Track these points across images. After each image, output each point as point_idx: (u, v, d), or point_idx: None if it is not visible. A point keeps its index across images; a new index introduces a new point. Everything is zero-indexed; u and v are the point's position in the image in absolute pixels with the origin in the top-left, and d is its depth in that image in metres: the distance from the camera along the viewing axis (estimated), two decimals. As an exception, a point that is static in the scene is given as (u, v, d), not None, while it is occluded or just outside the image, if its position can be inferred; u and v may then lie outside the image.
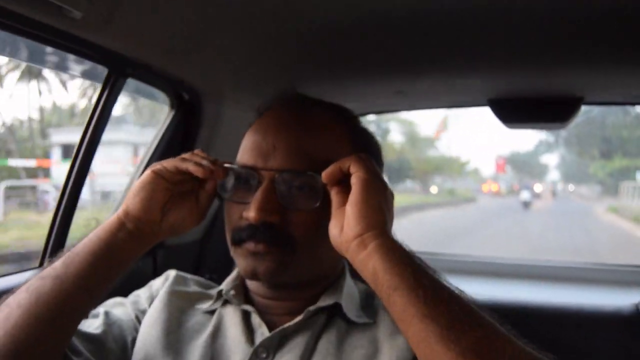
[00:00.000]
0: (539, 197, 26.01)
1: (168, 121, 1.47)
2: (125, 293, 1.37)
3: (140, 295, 1.12)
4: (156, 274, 1.48)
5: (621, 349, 1.26)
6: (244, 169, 0.97)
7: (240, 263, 0.97)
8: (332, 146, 0.99)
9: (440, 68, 1.43)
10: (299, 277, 0.99)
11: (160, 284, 1.13)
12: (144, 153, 1.47)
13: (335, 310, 1.01)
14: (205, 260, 1.63)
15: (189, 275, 1.18)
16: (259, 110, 1.06)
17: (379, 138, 1.13)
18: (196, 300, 1.10)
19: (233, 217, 0.97)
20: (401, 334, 0.90)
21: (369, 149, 1.01)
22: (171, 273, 1.15)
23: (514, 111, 1.59)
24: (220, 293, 1.07)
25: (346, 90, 1.61)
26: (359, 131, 1.07)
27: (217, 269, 1.63)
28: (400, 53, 1.32)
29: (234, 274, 1.10)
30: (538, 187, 26.62)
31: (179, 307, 1.07)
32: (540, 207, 22.64)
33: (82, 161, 1.25)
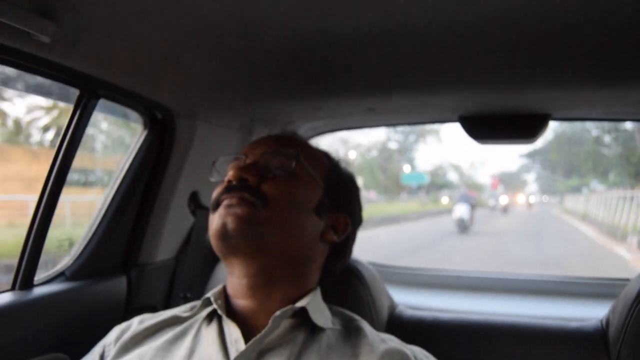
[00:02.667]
0: (505, 211, 22.63)
1: (141, 140, 1.48)
2: (98, 313, 1.38)
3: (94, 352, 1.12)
4: (130, 292, 1.48)
5: None
6: (235, 154, 1.14)
7: (213, 225, 1.04)
8: (311, 160, 1.14)
9: (410, 86, 1.45)
10: (268, 241, 1.02)
11: (118, 334, 1.11)
12: (117, 173, 1.47)
13: (305, 319, 1.03)
14: (180, 278, 1.63)
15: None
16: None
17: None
18: (169, 325, 1.11)
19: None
20: (384, 344, 1.01)
21: (341, 186, 1.18)
22: (134, 320, 1.14)
23: (484, 128, 1.62)
24: (207, 300, 1.09)
25: (318, 107, 1.63)
26: (336, 168, 1.21)
27: (192, 287, 1.64)
28: (371, 72, 1.34)
29: (219, 287, 1.12)
30: (504, 199, 23.57)
31: (151, 334, 1.09)
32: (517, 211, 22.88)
33: (55, 181, 1.25)
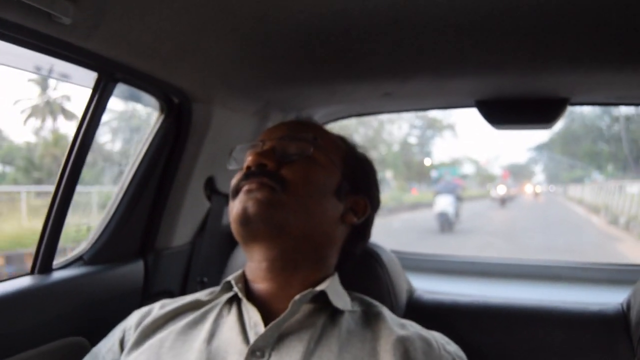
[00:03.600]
0: (503, 204, 19.80)
1: (158, 125, 1.48)
2: (116, 297, 1.39)
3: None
4: (147, 277, 1.49)
5: (606, 349, 1.27)
6: (252, 142, 1.15)
7: (234, 211, 1.05)
8: (329, 144, 1.14)
9: (427, 71, 1.44)
10: (289, 225, 1.03)
11: (139, 318, 1.12)
12: (133, 158, 1.47)
13: (325, 303, 1.03)
14: (197, 264, 1.63)
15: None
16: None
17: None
18: (189, 309, 1.11)
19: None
20: (404, 329, 1.01)
21: (358, 169, 1.18)
22: (155, 305, 1.15)
23: (500, 112, 1.61)
24: (227, 284, 1.10)
25: (334, 92, 1.62)
26: (353, 151, 1.21)
27: (208, 272, 1.64)
28: (388, 55, 1.33)
29: (238, 272, 1.13)
30: (502, 189, 20.68)
31: (171, 319, 1.09)
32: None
33: (73, 166, 1.25)
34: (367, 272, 1.31)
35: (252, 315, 1.02)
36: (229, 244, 1.57)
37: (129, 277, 1.44)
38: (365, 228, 1.21)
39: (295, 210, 1.03)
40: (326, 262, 1.12)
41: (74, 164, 1.25)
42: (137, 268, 1.47)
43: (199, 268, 1.64)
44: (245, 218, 1.02)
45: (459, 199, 15.24)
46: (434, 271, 2.09)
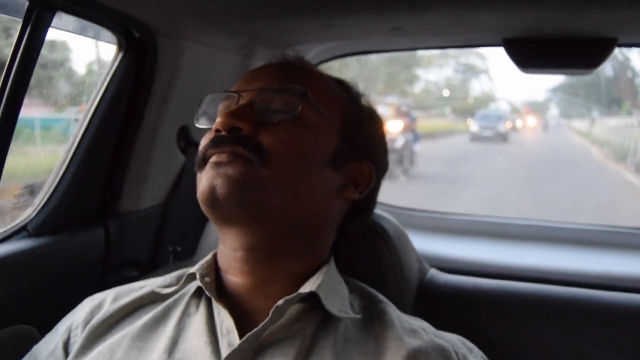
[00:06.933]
0: (504, 137, 18.11)
1: (115, 65, 1.21)
2: (70, 274, 1.17)
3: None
4: (109, 247, 1.26)
5: None
6: (225, 92, 0.89)
7: (200, 189, 0.81)
8: (323, 96, 0.89)
9: (445, 1, 1.16)
10: (270, 207, 0.80)
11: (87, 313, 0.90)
12: (87, 106, 1.21)
13: (316, 303, 0.81)
14: (169, 229, 1.40)
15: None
16: None
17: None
18: (148, 303, 0.89)
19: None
20: (415, 338, 0.80)
21: (362, 126, 0.94)
22: (107, 296, 0.92)
23: (533, 53, 1.33)
24: (192, 276, 0.87)
25: (330, 25, 1.33)
26: (355, 102, 0.96)
27: (182, 241, 1.42)
28: None
29: (208, 257, 0.89)
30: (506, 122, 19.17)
31: (126, 315, 0.88)
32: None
33: (4, 116, 1.00)
34: (369, 252, 1.08)
35: (224, 318, 0.81)
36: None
37: (86, 248, 1.22)
38: (368, 201, 0.98)
39: (278, 189, 0.80)
40: (318, 248, 0.90)
41: (5, 113, 1.00)
42: (95, 237, 1.24)
43: (171, 235, 1.41)
44: (213, 200, 0.79)
45: (416, 136, 12.68)
46: (447, 232, 1.84)
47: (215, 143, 0.81)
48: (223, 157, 0.79)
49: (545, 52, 1.32)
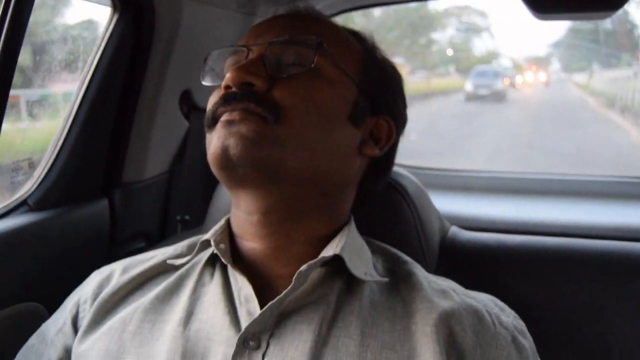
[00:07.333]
0: (501, 96, 16.98)
1: (111, 28, 1.14)
2: (75, 248, 1.13)
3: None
4: (114, 219, 1.21)
5: None
6: (233, 47, 0.84)
7: (211, 150, 0.75)
8: (340, 48, 0.82)
9: None
10: (287, 167, 0.75)
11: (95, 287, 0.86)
12: (84, 73, 1.15)
13: (339, 266, 0.76)
14: (176, 198, 1.35)
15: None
16: None
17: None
18: (160, 273, 0.85)
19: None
20: (446, 300, 0.76)
21: (381, 79, 0.87)
22: (115, 268, 0.88)
23: None
24: (205, 243, 0.82)
25: None
26: (373, 53, 0.89)
27: (190, 209, 1.37)
28: None
29: (221, 223, 0.84)
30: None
31: (137, 288, 0.84)
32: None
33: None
34: (389, 211, 1.03)
35: (242, 285, 0.76)
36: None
37: (90, 221, 1.17)
38: (388, 158, 0.92)
39: (295, 147, 0.74)
40: (339, 209, 0.85)
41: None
42: (100, 209, 1.19)
43: (178, 204, 1.36)
44: (226, 161, 0.73)
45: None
46: (463, 190, 1.78)
47: (226, 100, 0.75)
48: (235, 115, 0.74)
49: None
